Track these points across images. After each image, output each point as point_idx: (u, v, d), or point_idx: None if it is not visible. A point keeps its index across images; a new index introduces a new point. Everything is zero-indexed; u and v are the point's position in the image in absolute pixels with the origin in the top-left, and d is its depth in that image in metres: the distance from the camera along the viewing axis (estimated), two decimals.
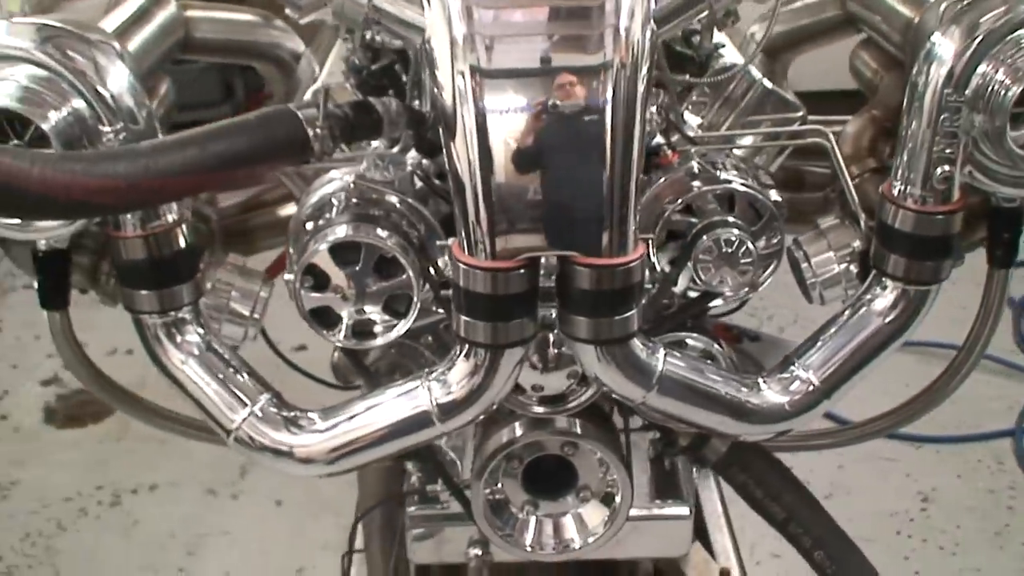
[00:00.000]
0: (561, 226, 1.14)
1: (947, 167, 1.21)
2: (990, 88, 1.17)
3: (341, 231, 1.29)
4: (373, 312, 1.32)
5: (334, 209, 1.36)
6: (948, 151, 1.20)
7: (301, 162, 1.20)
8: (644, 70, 1.11)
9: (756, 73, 1.49)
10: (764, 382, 1.30)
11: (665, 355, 1.25)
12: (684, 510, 1.63)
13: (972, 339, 1.45)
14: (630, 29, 1.09)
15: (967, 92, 1.18)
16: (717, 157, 1.42)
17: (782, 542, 1.51)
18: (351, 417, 1.28)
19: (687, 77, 1.49)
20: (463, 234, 1.15)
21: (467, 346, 1.21)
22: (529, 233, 1.14)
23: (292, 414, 1.30)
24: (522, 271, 1.16)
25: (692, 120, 1.53)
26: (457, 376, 1.23)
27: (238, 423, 1.29)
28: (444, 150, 1.14)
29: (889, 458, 3.86)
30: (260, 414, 1.30)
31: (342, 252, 1.29)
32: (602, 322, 1.19)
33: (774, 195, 1.36)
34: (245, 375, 1.33)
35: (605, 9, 1.10)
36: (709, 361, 1.38)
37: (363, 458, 1.29)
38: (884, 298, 1.30)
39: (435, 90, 1.12)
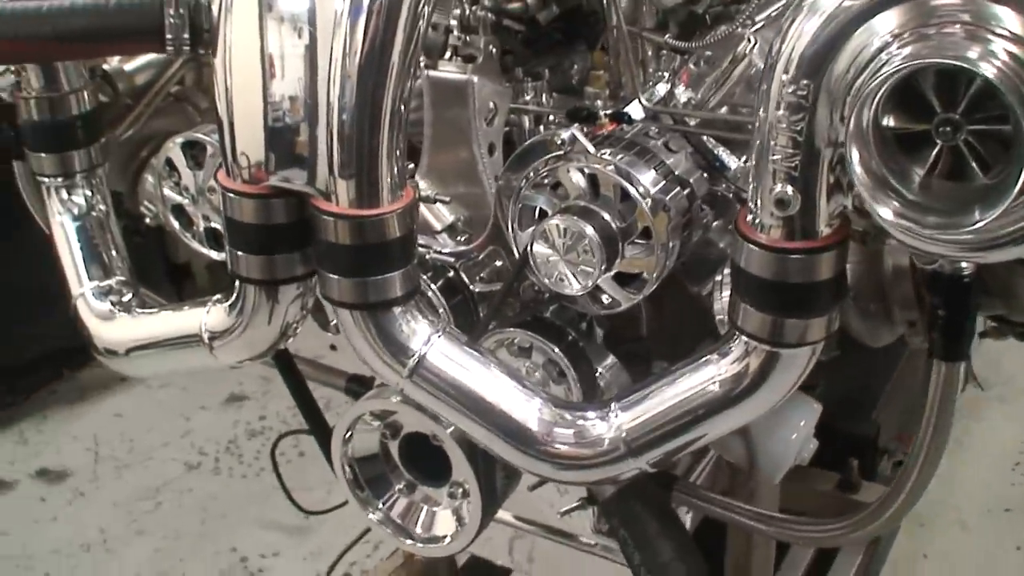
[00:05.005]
0: (290, 156, 0.98)
1: (787, 188, 0.86)
2: (862, 75, 0.81)
3: None
4: None
5: None
6: (789, 165, 0.85)
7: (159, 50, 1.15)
8: None
9: (752, 45, 1.16)
10: (567, 414, 1.03)
11: (435, 338, 1.04)
12: None
13: (913, 456, 1.03)
14: None
15: (820, 80, 0.83)
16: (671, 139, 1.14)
17: None
18: (151, 318, 1.22)
19: (666, 38, 1.20)
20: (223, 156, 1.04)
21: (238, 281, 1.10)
22: (270, 162, 0.99)
23: (115, 304, 1.26)
24: (272, 200, 1.02)
25: (683, 94, 1.23)
26: (223, 309, 1.12)
27: (76, 294, 1.28)
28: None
29: None
30: (92, 293, 1.27)
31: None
32: (346, 282, 1.01)
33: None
34: (111, 255, 1.31)
35: None
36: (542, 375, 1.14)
37: (154, 363, 1.23)
38: (728, 355, 0.97)
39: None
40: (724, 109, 1.18)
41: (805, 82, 0.82)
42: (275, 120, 0.97)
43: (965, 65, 0.76)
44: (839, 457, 2.02)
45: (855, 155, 0.81)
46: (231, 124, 1.00)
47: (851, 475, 2.02)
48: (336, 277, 1.01)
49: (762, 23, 1.19)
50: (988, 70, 0.75)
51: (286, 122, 0.97)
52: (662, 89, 1.23)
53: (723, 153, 1.16)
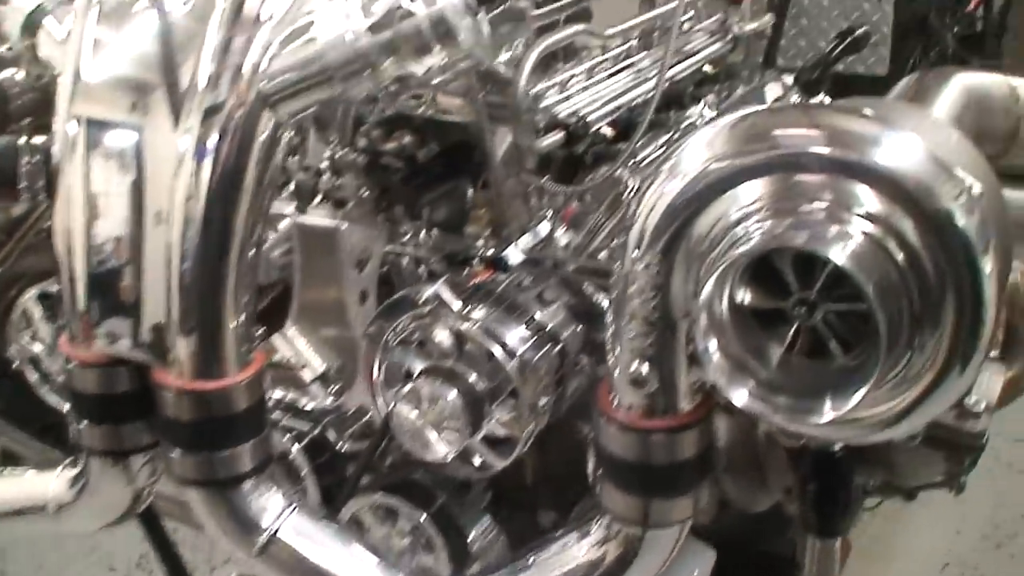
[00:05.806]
0: (113, 305, 0.92)
1: (642, 367, 0.81)
2: (717, 248, 0.76)
3: None
4: None
5: None
6: (644, 343, 0.81)
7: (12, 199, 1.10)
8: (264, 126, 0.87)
9: (632, 189, 1.12)
10: None
11: (288, 513, 0.97)
12: None
13: None
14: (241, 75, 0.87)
15: (674, 256, 0.78)
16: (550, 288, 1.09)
17: None
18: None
19: (545, 180, 1.16)
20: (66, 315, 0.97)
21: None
22: (93, 312, 0.93)
23: None
24: (114, 369, 0.95)
25: (563, 236, 1.19)
26: (68, 479, 1.05)
27: None
28: None
29: None
30: None
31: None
32: (190, 459, 0.95)
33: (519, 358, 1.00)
34: None
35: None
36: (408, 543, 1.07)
37: (5, 530, 1.15)
38: (588, 536, 0.92)
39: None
40: (605, 253, 1.14)
41: (659, 258, 0.78)
42: (99, 263, 0.91)
43: (817, 251, 0.72)
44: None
45: (711, 343, 0.76)
46: (71, 277, 0.93)
47: None
48: (179, 452, 0.95)
49: (643, 163, 1.17)
50: (840, 255, 0.71)
51: (109, 266, 0.90)
52: (544, 229, 1.19)
53: (604, 299, 1.11)
